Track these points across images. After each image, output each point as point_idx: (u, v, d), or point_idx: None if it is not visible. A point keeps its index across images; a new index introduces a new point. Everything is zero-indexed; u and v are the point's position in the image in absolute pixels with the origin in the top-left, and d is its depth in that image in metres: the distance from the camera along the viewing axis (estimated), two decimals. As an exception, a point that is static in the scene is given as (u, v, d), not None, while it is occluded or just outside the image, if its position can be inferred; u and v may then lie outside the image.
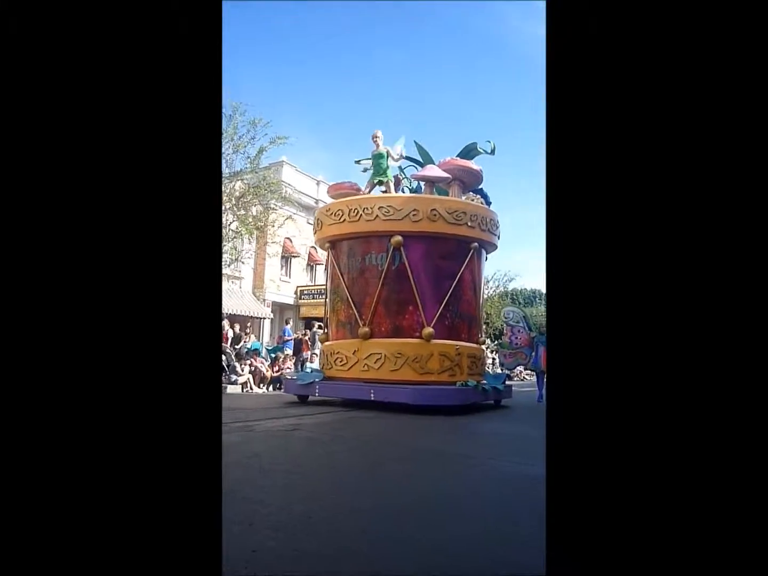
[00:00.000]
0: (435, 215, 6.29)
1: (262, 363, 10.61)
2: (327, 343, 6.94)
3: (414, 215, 6.26)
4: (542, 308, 36.99)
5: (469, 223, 6.49)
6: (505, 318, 11.60)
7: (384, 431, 4.36)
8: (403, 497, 2.09)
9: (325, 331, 7.17)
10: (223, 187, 12.37)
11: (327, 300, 7.26)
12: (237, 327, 11.98)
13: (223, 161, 12.64)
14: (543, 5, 1.43)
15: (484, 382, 7.07)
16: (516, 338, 11.19)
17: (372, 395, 5.95)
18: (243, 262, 16.50)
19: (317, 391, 6.42)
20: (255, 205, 13.95)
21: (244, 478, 2.24)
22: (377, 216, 6.31)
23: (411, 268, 6.32)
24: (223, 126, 12.47)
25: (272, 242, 15.36)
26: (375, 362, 6.22)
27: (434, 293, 6.40)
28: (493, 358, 18.73)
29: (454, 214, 6.38)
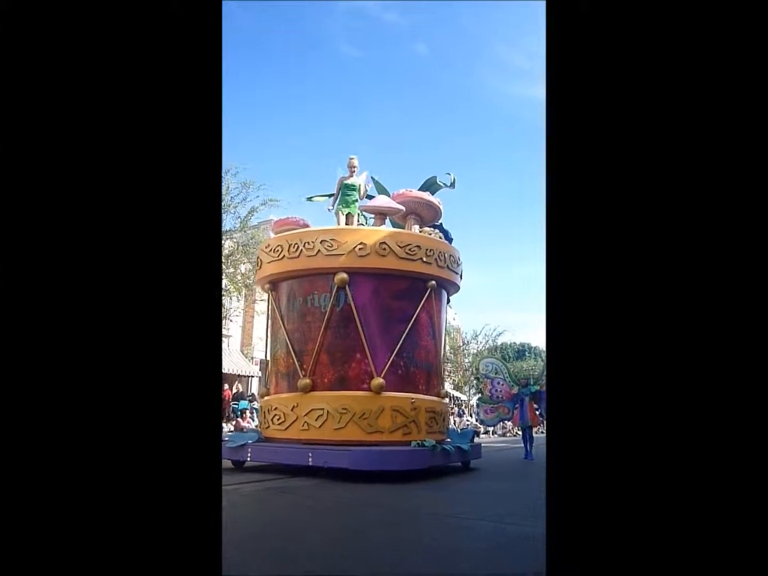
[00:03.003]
0: (384, 249, 5.55)
1: (249, 423, 9.96)
2: (266, 398, 6.05)
3: (360, 249, 5.51)
4: (532, 362, 36.46)
5: (425, 259, 5.75)
6: (484, 370, 10.79)
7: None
8: None
9: (266, 384, 6.28)
10: None
11: (267, 349, 6.41)
12: (239, 385, 11.97)
13: None
14: (543, 5, 1.48)
15: (449, 440, 6.18)
16: (496, 391, 10.32)
17: (310, 459, 5.02)
18: (231, 320, 16.62)
19: (249, 455, 5.48)
20: (243, 263, 14.30)
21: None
22: (319, 251, 5.56)
23: (357, 309, 5.51)
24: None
25: (260, 300, 15.38)
26: (316, 419, 5.31)
27: (385, 338, 5.58)
28: (462, 411, 17.88)
29: (406, 248, 5.64)
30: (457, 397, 24.79)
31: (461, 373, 26.17)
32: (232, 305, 15.35)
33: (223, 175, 13.28)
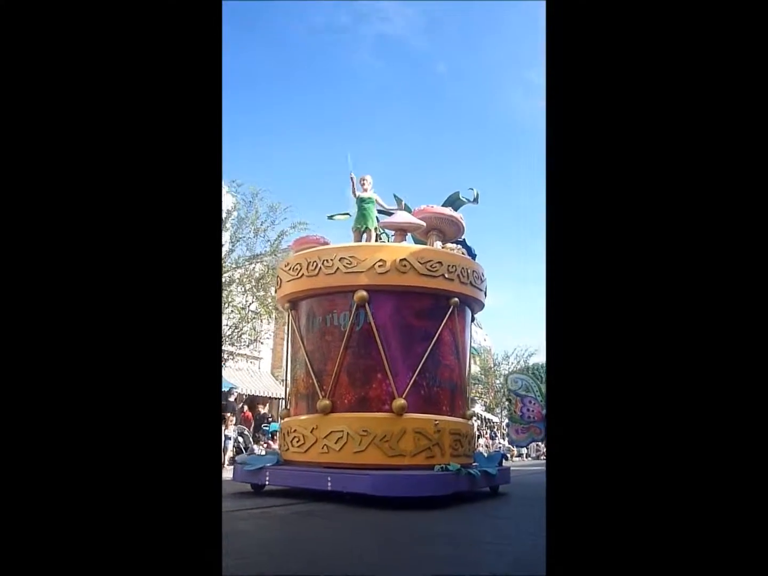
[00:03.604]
0: (405, 266, 5.39)
1: None
2: (285, 419, 5.91)
3: (380, 266, 5.37)
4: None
5: (447, 275, 5.57)
6: (513, 386, 10.44)
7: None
8: None
9: (286, 405, 6.15)
10: (243, 269, 13.56)
11: (287, 369, 6.29)
12: (265, 407, 12.51)
13: (244, 244, 13.71)
14: (543, 5, 1.51)
15: (476, 464, 5.92)
16: (527, 410, 9.96)
17: (329, 484, 4.84)
18: (262, 342, 16.68)
19: (267, 478, 5.33)
20: (274, 286, 14.28)
21: None
22: (338, 269, 5.44)
23: (378, 328, 5.36)
24: (244, 212, 13.72)
25: None
26: (336, 442, 5.14)
27: (406, 358, 5.40)
28: (494, 434, 17.43)
29: (427, 264, 5.48)
30: (488, 419, 24.27)
31: (492, 394, 25.66)
32: (263, 327, 15.37)
33: (251, 199, 13.66)
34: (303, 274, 5.66)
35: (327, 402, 5.30)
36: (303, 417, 5.57)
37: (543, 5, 1.54)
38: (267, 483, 5.34)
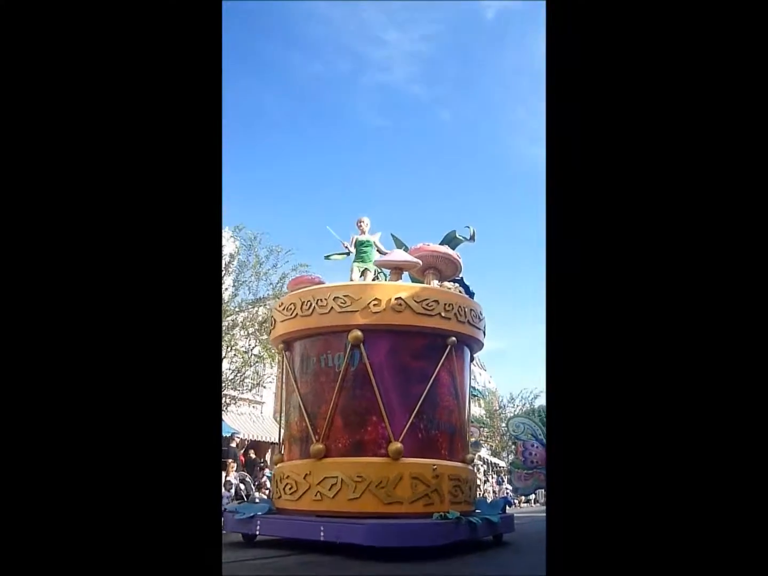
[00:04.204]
0: (400, 305, 5.28)
1: None
2: (279, 465, 5.69)
3: (375, 305, 5.26)
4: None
5: (443, 314, 5.45)
6: (515, 431, 10.16)
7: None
8: None
9: (280, 450, 5.94)
10: (246, 313, 13.44)
11: (281, 412, 6.11)
12: (252, 453, 12.07)
13: (246, 288, 13.60)
14: (543, 5, 1.58)
15: (478, 511, 5.66)
16: (530, 455, 9.67)
17: (322, 534, 4.61)
18: (264, 387, 16.44)
19: (258, 528, 5.09)
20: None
21: None
22: (332, 308, 5.33)
23: (373, 369, 5.21)
24: (244, 256, 13.69)
25: None
26: (329, 489, 4.93)
27: (403, 399, 5.23)
28: (501, 479, 16.93)
29: (423, 303, 5.37)
30: (495, 463, 23.65)
31: (498, 438, 25.09)
32: (266, 372, 15.12)
33: (250, 243, 13.61)
34: (297, 314, 5.55)
35: (320, 446, 5.11)
36: (296, 462, 5.37)
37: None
38: (258, 533, 5.10)
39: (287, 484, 5.25)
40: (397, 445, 4.97)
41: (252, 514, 5.15)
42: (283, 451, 5.81)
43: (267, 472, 12.07)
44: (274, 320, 5.98)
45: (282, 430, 6.02)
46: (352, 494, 4.84)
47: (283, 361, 6.07)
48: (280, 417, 6.16)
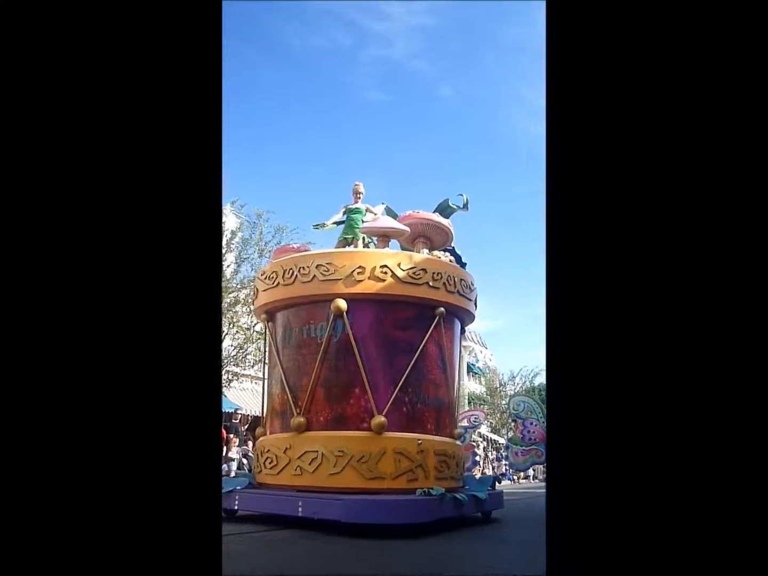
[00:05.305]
0: (385, 273, 5.03)
1: None
2: (261, 439, 5.52)
3: (359, 273, 5.02)
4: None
5: (431, 283, 5.20)
6: (515, 409, 10.04)
7: None
8: None
9: (263, 424, 5.75)
10: (248, 290, 13.08)
11: (264, 385, 5.91)
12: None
13: (249, 265, 13.38)
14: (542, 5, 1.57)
15: (466, 487, 5.49)
16: (528, 432, 9.54)
17: (300, 510, 4.44)
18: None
19: (236, 503, 4.92)
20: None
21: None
22: (315, 276, 5.09)
23: (356, 340, 4.98)
24: (248, 233, 13.53)
25: None
26: (310, 463, 4.74)
27: (387, 372, 5.01)
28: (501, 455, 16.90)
29: (410, 271, 5.11)
30: (494, 440, 23.61)
31: (498, 415, 25.02)
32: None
33: (255, 221, 13.46)
34: (279, 283, 5.32)
35: (301, 419, 4.91)
36: (277, 436, 5.19)
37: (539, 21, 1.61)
38: (236, 508, 4.94)
39: (267, 458, 5.08)
40: (380, 419, 4.76)
41: (230, 489, 4.98)
42: (264, 425, 5.63)
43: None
44: (257, 289, 5.75)
45: (264, 404, 5.83)
46: (333, 469, 4.66)
47: (266, 333, 5.85)
48: (263, 390, 5.97)
